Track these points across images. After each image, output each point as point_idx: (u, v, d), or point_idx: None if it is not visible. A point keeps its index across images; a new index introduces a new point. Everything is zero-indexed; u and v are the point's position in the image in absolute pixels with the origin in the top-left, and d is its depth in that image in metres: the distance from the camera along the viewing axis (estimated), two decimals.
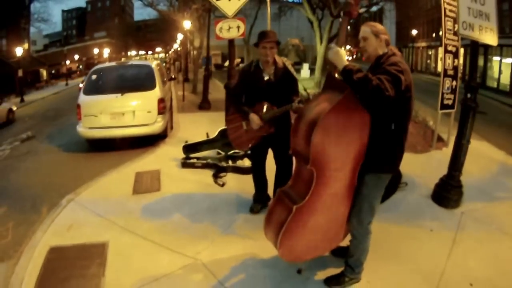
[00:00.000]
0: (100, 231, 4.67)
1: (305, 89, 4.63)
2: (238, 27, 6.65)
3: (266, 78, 4.50)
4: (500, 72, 26.66)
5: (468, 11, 4.71)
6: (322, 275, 3.65)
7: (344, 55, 3.03)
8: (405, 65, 2.98)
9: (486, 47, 22.88)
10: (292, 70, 4.48)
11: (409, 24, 44.83)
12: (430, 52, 43.32)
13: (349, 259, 3.48)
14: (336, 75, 3.11)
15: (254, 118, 4.44)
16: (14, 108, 18.07)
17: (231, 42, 6.89)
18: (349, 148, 3.14)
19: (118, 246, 4.32)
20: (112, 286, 3.65)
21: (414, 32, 43.60)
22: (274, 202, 3.57)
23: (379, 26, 3.20)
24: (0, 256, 4.49)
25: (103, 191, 6.02)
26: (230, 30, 6.64)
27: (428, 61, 44.14)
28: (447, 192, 5.07)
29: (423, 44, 44.24)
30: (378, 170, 3.22)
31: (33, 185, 6.92)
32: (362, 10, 22.96)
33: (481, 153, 7.20)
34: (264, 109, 4.47)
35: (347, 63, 2.97)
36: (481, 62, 26.92)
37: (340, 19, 3.47)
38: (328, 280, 3.55)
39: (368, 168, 3.21)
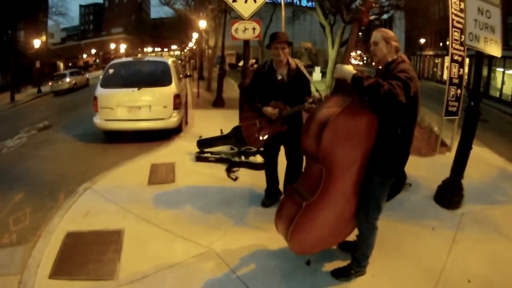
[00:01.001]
0: (116, 219, 4.69)
1: (317, 90, 4.63)
2: (254, 29, 6.62)
3: (279, 78, 4.51)
4: (503, 82, 26.89)
5: (474, 23, 4.76)
6: (329, 266, 3.70)
7: (349, 67, 3.08)
8: (413, 73, 3.01)
9: (490, 58, 23.61)
10: (304, 71, 4.49)
11: (417, 33, 44.83)
12: (436, 61, 43.52)
13: (356, 253, 3.56)
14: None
15: (269, 109, 4.47)
16: (89, 77, 32.00)
17: (246, 43, 6.86)
18: (356, 149, 3.22)
19: (134, 233, 4.34)
20: (127, 271, 3.66)
21: (422, 40, 43.66)
22: (285, 198, 3.66)
23: (390, 33, 3.24)
24: (18, 239, 4.52)
25: (119, 181, 6.04)
26: (246, 31, 6.61)
27: (435, 69, 44.32)
28: (449, 194, 5.17)
29: (430, 52, 44.33)
30: (384, 171, 3.28)
31: (50, 172, 6.94)
32: (372, 17, 22.88)
33: (482, 159, 7.21)
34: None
35: (354, 72, 3.01)
36: (485, 72, 27.33)
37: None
38: (335, 272, 3.61)
39: (374, 169, 3.28)
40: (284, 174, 4.92)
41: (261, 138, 4.71)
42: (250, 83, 4.83)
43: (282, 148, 4.90)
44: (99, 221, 4.63)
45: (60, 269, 3.71)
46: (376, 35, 3.23)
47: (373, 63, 3.38)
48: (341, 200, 3.37)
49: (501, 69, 27.05)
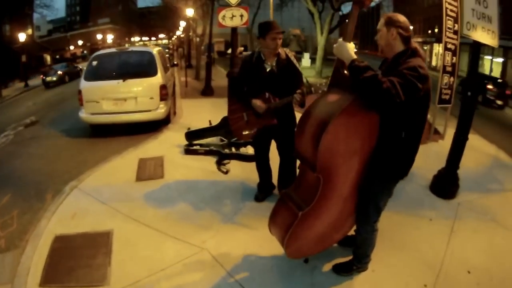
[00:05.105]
0: (104, 219, 4.52)
1: (307, 81, 4.40)
2: (242, 16, 6.45)
3: (268, 69, 4.27)
4: (491, 70, 27.81)
5: (472, 12, 4.66)
6: (329, 263, 3.59)
7: (351, 48, 2.71)
8: (425, 70, 2.60)
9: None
10: (295, 61, 4.25)
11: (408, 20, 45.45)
12: (425, 48, 44.16)
13: (356, 250, 3.41)
14: (346, 71, 2.80)
15: (258, 102, 4.22)
16: None
17: (234, 30, 6.68)
18: (358, 152, 2.93)
19: (123, 234, 4.18)
20: (118, 276, 3.51)
21: (411, 28, 44.05)
22: (279, 204, 3.41)
23: (395, 17, 2.81)
24: (7, 245, 4.35)
25: (106, 178, 5.85)
26: (233, 18, 6.44)
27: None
28: (445, 184, 5.13)
29: (419, 39, 45.09)
30: (386, 178, 3.01)
31: (37, 171, 6.72)
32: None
33: (475, 146, 7.11)
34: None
35: (354, 57, 2.64)
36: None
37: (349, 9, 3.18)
38: (336, 268, 3.49)
39: (375, 174, 2.99)
40: (278, 168, 4.77)
41: (247, 132, 4.53)
42: (238, 75, 4.57)
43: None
44: (87, 223, 4.46)
45: (50, 276, 3.56)
46: (380, 20, 2.85)
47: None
48: (340, 203, 3.13)
49: (489, 57, 27.94)
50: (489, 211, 4.71)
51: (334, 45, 2.81)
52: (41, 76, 27.87)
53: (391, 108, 2.55)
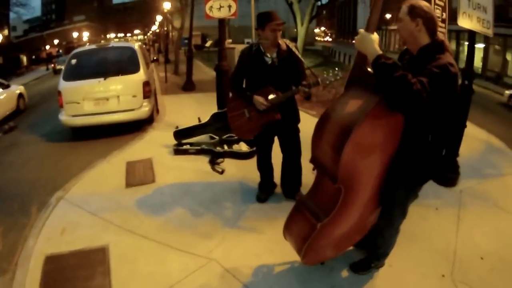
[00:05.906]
0: (97, 233, 4.10)
1: (312, 72, 4.12)
2: (230, 6, 6.09)
3: (269, 62, 3.99)
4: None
5: (468, 3, 4.70)
6: (345, 262, 3.41)
7: (375, 41, 2.41)
8: (456, 68, 2.32)
9: (458, 32, 25.10)
10: (297, 52, 3.99)
11: (383, 8, 46.14)
12: None
13: (376, 250, 3.23)
14: (369, 69, 2.50)
15: (259, 99, 3.93)
16: None
17: (221, 22, 6.32)
18: (381, 157, 2.68)
19: (120, 249, 3.79)
20: None
21: (388, 16, 46.03)
22: (295, 212, 3.17)
23: (419, 5, 2.44)
24: None
25: (93, 186, 5.41)
26: (221, 9, 6.07)
27: (400, 43, 46.62)
28: (447, 172, 5.13)
29: (396, 27, 45.58)
30: (410, 182, 2.79)
31: (19, 181, 6.19)
32: None
33: (467, 133, 7.07)
34: (270, 96, 3.97)
35: (380, 52, 2.34)
36: (453, 46, 28.57)
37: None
38: (354, 266, 3.34)
39: (399, 179, 2.76)
40: (281, 167, 4.49)
41: (252, 133, 4.25)
42: (236, 69, 4.26)
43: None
44: (78, 238, 4.03)
45: None
46: (402, 8, 2.49)
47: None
48: (360, 209, 2.89)
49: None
50: (489, 196, 4.75)
51: (356, 37, 2.51)
52: (52, 65, 35.10)
53: (418, 110, 2.29)
